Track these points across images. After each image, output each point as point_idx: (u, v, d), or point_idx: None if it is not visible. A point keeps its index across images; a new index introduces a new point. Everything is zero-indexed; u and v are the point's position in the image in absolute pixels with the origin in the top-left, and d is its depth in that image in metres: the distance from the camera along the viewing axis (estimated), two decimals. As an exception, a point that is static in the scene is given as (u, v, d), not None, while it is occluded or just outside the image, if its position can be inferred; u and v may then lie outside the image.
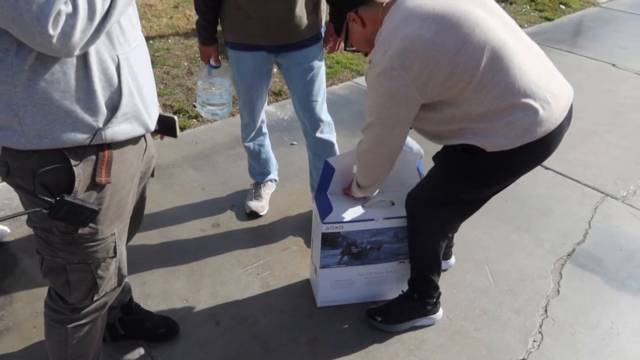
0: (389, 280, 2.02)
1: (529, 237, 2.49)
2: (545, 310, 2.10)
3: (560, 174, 2.99)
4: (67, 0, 0.96)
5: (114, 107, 1.16)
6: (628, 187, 2.90)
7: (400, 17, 1.43)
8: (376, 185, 1.78)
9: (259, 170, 2.61)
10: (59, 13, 0.94)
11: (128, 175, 1.29)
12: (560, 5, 6.15)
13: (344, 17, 1.63)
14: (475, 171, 1.59)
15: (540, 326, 2.02)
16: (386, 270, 1.98)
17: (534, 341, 1.96)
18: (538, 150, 1.53)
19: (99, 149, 1.18)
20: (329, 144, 2.34)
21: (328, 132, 2.34)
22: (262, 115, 2.41)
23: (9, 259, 2.24)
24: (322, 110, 2.27)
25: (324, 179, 1.90)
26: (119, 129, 1.18)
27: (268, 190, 2.64)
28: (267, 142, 2.55)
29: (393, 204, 1.89)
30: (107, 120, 1.15)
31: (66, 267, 1.29)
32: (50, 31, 0.94)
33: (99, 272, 1.34)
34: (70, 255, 1.28)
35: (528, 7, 6.10)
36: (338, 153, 2.40)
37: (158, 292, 2.10)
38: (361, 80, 4.13)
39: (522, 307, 2.10)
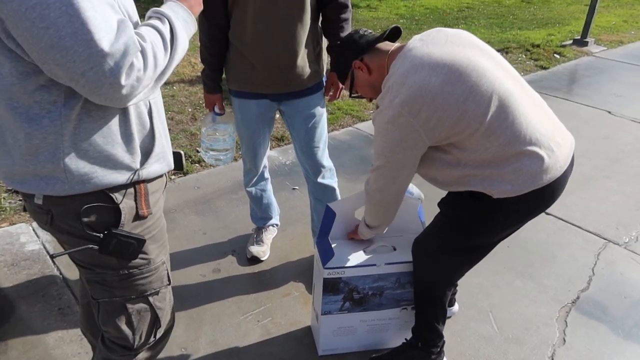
0: (391, 328, 1.98)
1: (533, 284, 2.47)
2: (552, 360, 2.05)
3: (562, 219, 2.99)
4: (139, 54, 1.02)
5: (147, 148, 1.22)
6: (630, 233, 2.90)
7: (408, 64, 1.47)
8: (385, 225, 1.77)
9: (260, 215, 2.61)
10: (131, 66, 1.00)
11: (160, 207, 1.33)
12: (555, 55, 6.32)
13: (349, 64, 1.68)
14: (483, 217, 1.59)
15: (547, 377, 1.98)
16: (388, 317, 1.95)
17: (542, 393, 1.91)
18: (544, 197, 1.54)
19: (135, 184, 1.22)
20: (330, 189, 2.36)
21: (329, 178, 2.36)
22: (265, 161, 2.44)
23: (6, 305, 2.21)
24: (324, 156, 2.30)
25: (325, 224, 1.90)
26: (152, 169, 1.24)
27: (270, 235, 2.63)
28: (269, 187, 2.56)
29: (395, 249, 1.89)
30: (144, 161, 1.21)
31: (125, 305, 1.31)
32: (122, 82, 0.99)
33: (157, 303, 1.36)
34: (127, 291, 1.29)
35: (523, 56, 6.27)
36: (339, 198, 2.41)
37: (156, 339, 2.06)
38: (362, 125, 4.19)
39: (528, 357, 2.06)
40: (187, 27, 1.18)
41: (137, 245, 1.22)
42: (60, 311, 2.16)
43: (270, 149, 3.68)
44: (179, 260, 2.52)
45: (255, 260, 2.51)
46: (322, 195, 2.36)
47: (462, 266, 1.75)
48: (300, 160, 2.33)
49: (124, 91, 1.00)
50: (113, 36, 0.96)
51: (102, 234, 1.17)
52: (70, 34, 0.92)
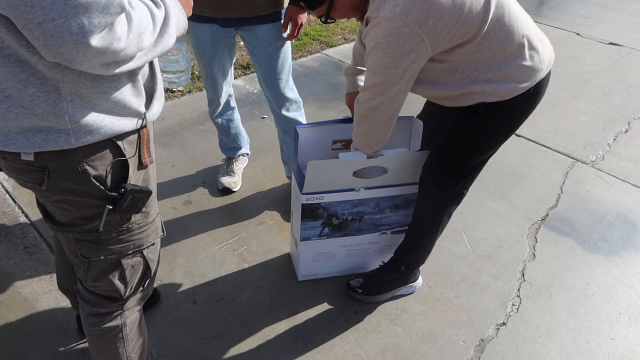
0: (370, 252, 1.99)
1: (504, 204, 2.51)
2: (523, 275, 2.11)
3: (532, 140, 3.02)
4: (123, 19, 0.87)
5: (150, 88, 1.10)
6: (597, 152, 2.95)
7: None
8: (376, 148, 1.65)
9: (229, 145, 2.52)
10: (111, 29, 0.84)
11: (153, 148, 1.21)
12: (525, -25, 6.16)
13: None
14: (499, 125, 1.55)
15: (519, 290, 2.04)
16: (368, 242, 1.95)
17: (513, 305, 1.98)
18: (537, 94, 1.52)
19: (139, 130, 1.10)
20: (296, 122, 2.26)
21: (294, 110, 2.26)
22: (229, 90, 2.31)
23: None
24: (287, 88, 2.18)
25: (295, 147, 1.81)
26: (155, 109, 1.12)
27: (240, 165, 2.56)
28: (237, 116, 2.46)
29: (385, 172, 1.77)
30: (148, 104, 1.09)
31: (120, 261, 1.21)
32: (92, 43, 0.82)
33: (150, 255, 1.27)
34: (124, 247, 1.19)
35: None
36: None
37: (130, 273, 2.02)
38: (330, 52, 4.05)
39: (500, 273, 2.12)
40: (178, 24, 1.03)
41: (145, 198, 1.13)
42: (26, 250, 2.08)
43: (236, 78, 3.53)
44: (148, 193, 2.44)
45: (226, 191, 2.46)
46: (288, 127, 2.27)
47: (471, 182, 1.71)
48: (264, 91, 2.21)
49: (90, 55, 0.83)
50: None
51: (117, 192, 1.06)
52: None
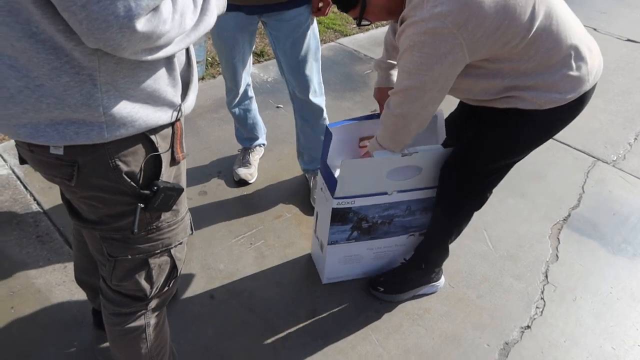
0: (397, 254, 1.93)
1: (525, 202, 2.45)
2: (546, 276, 2.07)
3: (552, 137, 2.95)
4: (169, 1, 0.81)
5: (186, 78, 1.03)
6: (617, 152, 2.89)
7: None
8: (401, 148, 1.59)
9: (246, 135, 2.46)
10: (157, 11, 0.79)
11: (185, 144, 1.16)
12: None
13: None
14: (530, 132, 1.48)
15: (542, 292, 2.00)
16: (395, 244, 1.88)
17: (537, 307, 1.93)
18: (580, 105, 1.45)
19: (174, 123, 1.03)
20: (319, 110, 2.19)
21: (320, 95, 2.19)
22: (247, 79, 2.25)
23: (-22, 232, 2.06)
24: (315, 70, 2.10)
25: (325, 146, 1.74)
26: (190, 101, 1.05)
27: (256, 155, 2.50)
28: (254, 106, 2.39)
29: (421, 171, 1.69)
30: (184, 95, 1.03)
31: (147, 261, 1.15)
32: (138, 27, 0.76)
33: (177, 254, 1.21)
34: (152, 246, 1.13)
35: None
36: (326, 118, 2.26)
37: (145, 265, 1.97)
38: (345, 41, 3.97)
39: (523, 273, 2.07)
40: (218, 1, 0.97)
41: (176, 196, 1.07)
42: (38, 239, 2.02)
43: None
44: (162, 183, 2.39)
45: (242, 182, 2.40)
46: (309, 115, 2.20)
47: (495, 184, 1.66)
48: (286, 77, 2.12)
49: (135, 40, 0.77)
50: None
51: (148, 190, 1.00)
52: None
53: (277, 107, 3.03)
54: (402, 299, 1.89)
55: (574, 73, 1.37)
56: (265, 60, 3.54)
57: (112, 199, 1.01)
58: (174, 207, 1.12)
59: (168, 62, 0.95)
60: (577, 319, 1.90)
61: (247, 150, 2.48)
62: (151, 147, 0.99)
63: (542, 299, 1.97)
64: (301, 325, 1.79)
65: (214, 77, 3.25)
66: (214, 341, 1.72)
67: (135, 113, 0.92)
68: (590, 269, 2.12)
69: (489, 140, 1.54)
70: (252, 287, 1.92)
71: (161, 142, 1.01)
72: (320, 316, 1.83)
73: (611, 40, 4.42)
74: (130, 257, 1.12)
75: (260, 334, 1.76)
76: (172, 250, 1.18)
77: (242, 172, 2.40)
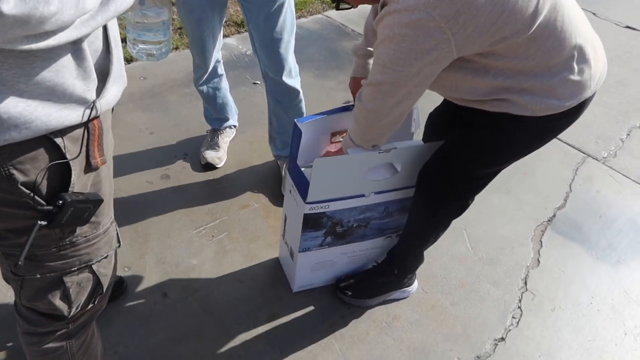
0: (372, 256, 1.79)
1: (510, 200, 2.32)
2: (525, 283, 1.95)
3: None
4: None
5: (104, 67, 0.85)
6: (609, 148, 2.76)
7: None
8: (375, 143, 1.44)
9: (215, 116, 2.28)
10: None
11: (110, 141, 0.97)
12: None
13: None
14: (518, 139, 1.33)
15: (520, 301, 1.88)
16: (371, 246, 1.74)
17: (513, 317, 1.82)
18: (576, 113, 1.29)
19: (89, 122, 0.85)
20: (294, 92, 2.02)
21: (295, 76, 2.01)
22: (217, 55, 2.05)
23: None
24: (289, 49, 1.92)
25: (294, 144, 1.57)
26: (110, 95, 0.87)
27: (226, 137, 2.33)
28: (224, 84, 2.20)
29: (397, 171, 1.56)
30: (101, 88, 0.85)
31: (62, 279, 0.99)
32: (3, 9, 0.59)
33: (101, 270, 1.04)
34: (67, 264, 0.97)
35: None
36: (303, 100, 2.08)
37: (95, 255, 1.82)
38: (333, 13, 3.74)
39: (502, 279, 1.95)
40: None
41: (93, 208, 0.90)
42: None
43: (227, 36, 3.24)
44: (122, 164, 2.21)
45: (209, 166, 2.23)
46: (284, 97, 2.02)
47: (477, 191, 1.52)
48: (258, 54, 1.93)
49: (6, 25, 0.61)
50: None
51: (52, 205, 0.83)
52: None
53: (254, 83, 2.84)
54: (371, 304, 1.77)
55: (575, 77, 1.20)
56: (246, 31, 3.31)
57: (10, 213, 0.84)
58: (93, 219, 0.95)
59: (75, 49, 0.77)
60: (555, 331, 1.80)
61: (216, 131, 2.30)
62: (56, 152, 0.82)
63: (519, 307, 1.86)
64: (260, 331, 1.66)
65: (188, 47, 3.03)
66: (164, 345, 1.59)
67: (31, 113, 0.75)
68: (571, 276, 2.01)
69: (474, 143, 1.39)
70: (210, 285, 1.78)
71: (70, 146, 0.83)
72: (281, 321, 1.70)
73: (609, 26, 4.24)
74: (39, 276, 0.96)
75: (215, 339, 1.62)
76: (93, 266, 1.02)
77: (210, 155, 2.23)
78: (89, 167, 0.89)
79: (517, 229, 2.18)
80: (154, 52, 1.69)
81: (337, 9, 1.36)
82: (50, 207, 0.83)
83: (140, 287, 1.73)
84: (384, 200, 1.59)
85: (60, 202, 0.83)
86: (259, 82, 2.82)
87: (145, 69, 2.84)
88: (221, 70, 2.15)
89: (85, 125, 0.84)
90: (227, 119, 2.30)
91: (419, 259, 1.71)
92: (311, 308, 1.75)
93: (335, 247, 1.68)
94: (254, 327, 1.67)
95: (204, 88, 2.13)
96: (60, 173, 0.85)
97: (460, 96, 1.30)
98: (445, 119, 1.54)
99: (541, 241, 2.15)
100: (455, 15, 1.04)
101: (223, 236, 1.96)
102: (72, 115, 0.80)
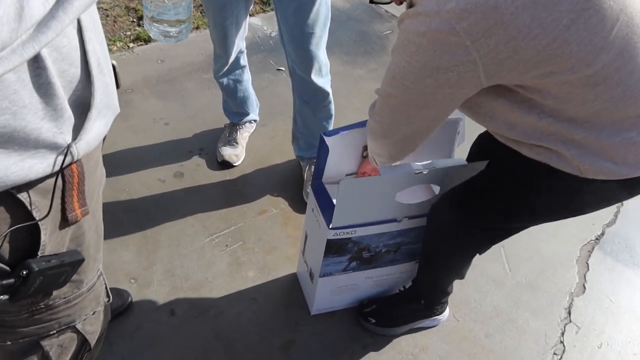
0: (398, 280, 1.62)
1: (553, 214, 2.10)
2: (569, 313, 1.76)
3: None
4: None
5: (82, 99, 0.67)
6: (666, 154, 2.49)
7: None
8: (393, 161, 1.24)
9: (235, 110, 2.10)
10: None
11: (97, 180, 0.81)
12: None
13: None
14: (551, 203, 1.12)
15: (562, 334, 1.69)
16: (400, 271, 1.57)
17: (555, 354, 1.64)
18: (630, 189, 1.05)
19: (64, 169, 0.69)
20: (323, 93, 1.81)
21: (325, 75, 1.80)
22: (240, 45, 1.86)
23: None
24: (321, 45, 1.72)
25: (319, 161, 1.38)
26: (92, 134, 0.70)
27: (246, 133, 2.15)
28: (247, 76, 2.01)
29: (435, 193, 1.40)
30: (80, 126, 0.67)
31: (39, 343, 0.85)
32: None
33: (87, 328, 0.91)
34: (43, 328, 0.83)
35: None
36: (332, 103, 1.88)
37: (100, 263, 1.68)
38: (365, -8, 3.48)
39: (542, 308, 1.76)
40: None
41: (71, 271, 0.76)
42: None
43: (252, 15, 3.02)
44: (133, 158, 2.06)
45: (226, 164, 2.06)
46: (311, 97, 1.82)
47: (503, 238, 1.33)
48: (286, 48, 1.73)
49: None
50: None
51: (14, 277, 0.68)
52: None
53: (278, 69, 2.63)
54: (396, 332, 1.60)
55: None
56: (272, 10, 3.09)
57: None
58: (75, 278, 0.79)
59: (37, 79, 0.59)
60: (601, 373, 1.61)
61: (234, 126, 2.12)
62: (19, 210, 0.66)
63: (561, 342, 1.67)
64: (273, 358, 1.52)
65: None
66: (168, 371, 1.46)
67: None
68: (622, 306, 1.80)
69: (504, 193, 1.18)
70: (221, 303, 1.63)
71: (39, 201, 0.67)
72: (297, 349, 1.55)
73: None
74: (9, 343, 0.81)
75: (224, 367, 1.49)
76: (77, 326, 0.87)
77: (227, 152, 2.06)
78: (66, 222, 0.73)
79: (560, 248, 1.97)
80: (171, 32, 1.45)
81: (371, 2, 1.16)
82: (11, 281, 0.67)
83: (147, 303, 1.60)
84: (418, 226, 1.41)
85: (25, 272, 0.67)
86: (283, 69, 2.62)
87: (163, 51, 2.65)
88: (244, 61, 1.96)
89: (57, 174, 0.67)
90: (247, 114, 2.12)
91: (445, 292, 1.53)
92: (330, 336, 1.59)
93: (360, 272, 1.51)
94: (267, 355, 1.52)
95: (224, 80, 1.95)
96: (29, 233, 0.68)
97: (495, 129, 1.08)
98: (497, 145, 1.33)
99: (587, 263, 1.94)
100: (486, 33, 0.82)
101: (237, 246, 1.80)
102: (39, 165, 0.63)
